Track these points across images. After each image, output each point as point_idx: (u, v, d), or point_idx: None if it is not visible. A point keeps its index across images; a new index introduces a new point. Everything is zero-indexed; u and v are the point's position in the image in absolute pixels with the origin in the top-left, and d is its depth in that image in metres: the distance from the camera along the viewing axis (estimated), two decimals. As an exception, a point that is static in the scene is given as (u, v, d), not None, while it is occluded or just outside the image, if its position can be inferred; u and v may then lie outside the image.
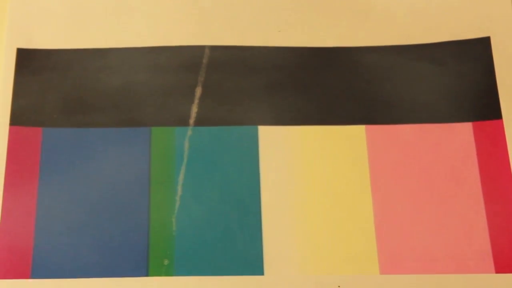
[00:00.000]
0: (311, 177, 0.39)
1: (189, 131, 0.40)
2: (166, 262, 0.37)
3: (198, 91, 0.41)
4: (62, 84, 0.41)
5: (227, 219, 0.38)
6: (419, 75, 0.41)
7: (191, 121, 0.40)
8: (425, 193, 0.38)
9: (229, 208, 0.38)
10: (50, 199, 0.38)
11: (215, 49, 0.42)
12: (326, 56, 0.41)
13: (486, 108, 0.40)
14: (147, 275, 0.37)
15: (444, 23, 0.42)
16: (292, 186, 0.38)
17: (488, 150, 0.39)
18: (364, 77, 0.41)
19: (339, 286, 0.36)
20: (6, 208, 0.38)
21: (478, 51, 0.41)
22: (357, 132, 0.39)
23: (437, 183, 0.38)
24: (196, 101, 0.41)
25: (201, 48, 0.42)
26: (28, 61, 0.41)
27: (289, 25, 0.42)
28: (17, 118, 0.40)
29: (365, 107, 0.40)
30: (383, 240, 0.37)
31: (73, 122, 0.40)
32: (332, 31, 0.42)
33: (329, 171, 0.39)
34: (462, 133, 0.39)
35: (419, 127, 0.39)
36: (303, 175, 0.39)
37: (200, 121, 0.40)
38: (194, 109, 0.40)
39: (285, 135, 0.39)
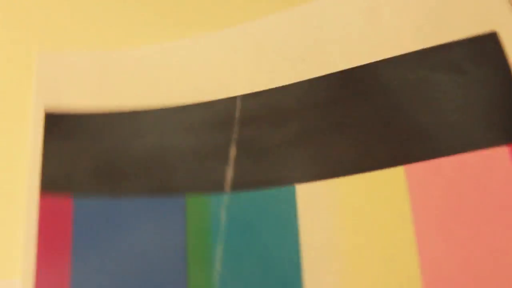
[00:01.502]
0: (354, 236, 0.36)
1: (225, 199, 0.38)
2: None
3: (233, 151, 0.39)
4: (92, 150, 0.39)
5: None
6: (440, 88, 0.35)
7: (227, 186, 0.38)
8: (473, 240, 0.34)
9: (270, 283, 0.36)
10: (83, 273, 0.37)
11: (247, 99, 0.39)
12: (353, 80, 0.37)
13: None
14: None
15: (449, 20, 0.37)
16: (334, 251, 0.36)
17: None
18: (392, 100, 0.36)
19: None
20: (39, 283, 0.37)
21: (489, 49, 0.35)
22: (395, 175, 0.35)
23: (485, 225, 0.34)
24: (231, 163, 0.38)
25: (232, 100, 0.39)
26: (57, 126, 0.40)
27: (313, 52, 0.39)
28: (47, 186, 0.39)
29: (400, 141, 0.35)
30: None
31: (104, 190, 0.38)
32: (357, 45, 0.38)
33: (374, 230, 0.36)
34: (498, 159, 0.35)
35: (456, 159, 0.34)
36: (347, 241, 0.36)
37: (236, 186, 0.38)
38: (229, 173, 0.38)
39: (324, 192, 0.36)
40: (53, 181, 0.39)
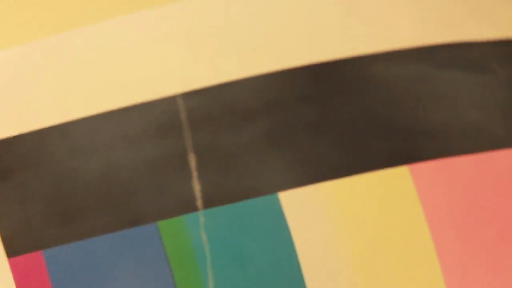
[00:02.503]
0: (359, 242, 0.33)
1: (201, 217, 0.34)
2: None
3: (192, 159, 0.34)
4: (38, 190, 0.34)
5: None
6: (452, 85, 0.32)
7: (199, 202, 0.34)
8: (497, 240, 0.32)
9: None
10: None
11: (189, 97, 0.34)
12: (332, 74, 0.33)
13: None
14: None
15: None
16: (340, 264, 0.33)
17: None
18: (387, 97, 0.33)
19: None
20: None
21: None
22: (400, 175, 0.32)
23: (506, 224, 0.33)
24: (194, 173, 0.34)
25: (171, 100, 0.34)
26: None
27: (272, 41, 0.33)
28: (12, 249, 0.34)
29: (402, 139, 0.32)
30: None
31: (71, 235, 0.34)
32: (333, 38, 0.33)
33: (381, 236, 0.33)
34: None
35: (473, 159, 0.32)
36: (348, 241, 0.33)
37: (209, 201, 0.34)
38: (197, 186, 0.34)
39: (315, 198, 0.33)
40: (15, 242, 0.34)
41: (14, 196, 0.34)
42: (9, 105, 0.35)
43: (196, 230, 0.34)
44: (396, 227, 0.33)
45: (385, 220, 0.33)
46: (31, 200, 0.34)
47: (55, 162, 0.34)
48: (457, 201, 0.32)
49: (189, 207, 0.34)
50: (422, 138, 0.32)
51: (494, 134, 0.32)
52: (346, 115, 0.33)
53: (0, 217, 0.34)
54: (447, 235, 0.33)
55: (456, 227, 0.32)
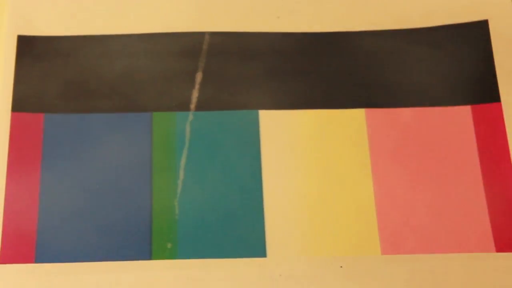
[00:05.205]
0: (312, 160, 0.39)
1: (190, 116, 0.40)
2: (169, 245, 0.37)
3: (199, 76, 0.41)
4: (63, 70, 0.41)
5: (229, 203, 0.38)
6: (417, 59, 0.41)
7: (192, 106, 0.40)
8: (425, 175, 0.39)
9: (231, 191, 0.38)
10: (53, 185, 0.38)
11: (215, 36, 0.42)
12: (325, 41, 0.42)
13: (485, 91, 0.40)
14: (150, 258, 0.37)
15: (442, 7, 0.42)
16: (293, 169, 0.39)
17: (487, 132, 0.39)
18: (364, 61, 0.41)
19: (341, 267, 0.37)
20: (9, 195, 0.38)
21: (476, 35, 0.41)
22: (357, 116, 0.40)
23: (437, 165, 0.39)
24: (197, 86, 0.41)
25: (201, 34, 0.42)
26: (29, 48, 0.41)
27: (288, 12, 0.43)
28: (18, 105, 0.40)
29: (365, 91, 0.40)
30: (384, 221, 0.38)
31: (74, 107, 0.40)
32: (331, 17, 0.42)
33: (329, 154, 0.39)
34: (461, 116, 0.40)
35: (418, 111, 0.40)
36: (304, 158, 0.39)
37: (201, 106, 0.40)
38: (195, 94, 0.41)
39: (285, 119, 0.40)
40: (24, 101, 0.40)
41: (39, 71, 0.41)
42: (73, 9, 0.43)
43: (183, 124, 0.40)
44: (345, 150, 0.39)
45: (337, 144, 0.39)
46: (50, 76, 0.41)
47: (85, 57, 0.42)
48: (395, 138, 0.39)
49: (183, 107, 0.40)
50: (380, 91, 0.40)
51: (434, 95, 0.40)
52: (330, 68, 0.41)
53: (20, 80, 0.41)
54: (381, 160, 0.39)
55: (390, 156, 0.39)
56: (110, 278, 0.37)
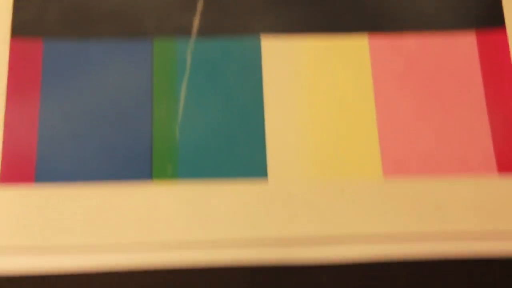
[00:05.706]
0: (314, 85, 0.39)
1: (191, 43, 0.40)
2: (169, 166, 0.37)
3: (200, 3, 0.41)
4: None
5: (230, 126, 0.38)
6: None
7: (193, 32, 0.40)
8: (428, 98, 0.38)
9: (233, 116, 0.38)
10: (52, 109, 0.38)
11: None
12: None
13: (489, 15, 0.39)
14: (151, 178, 0.37)
15: None
16: (295, 94, 0.38)
17: (491, 56, 0.39)
18: None
19: (342, 190, 0.36)
20: (9, 118, 0.38)
21: None
22: (360, 42, 0.39)
23: (440, 89, 0.38)
24: (198, 13, 0.40)
25: None
26: None
27: None
28: (18, 30, 0.40)
29: (368, 14, 0.40)
30: (386, 144, 0.37)
31: (74, 32, 0.40)
32: None
33: (331, 79, 0.39)
34: (465, 40, 0.39)
35: (422, 35, 0.39)
36: (306, 84, 0.39)
37: (202, 32, 0.40)
38: (196, 21, 0.40)
39: (287, 46, 0.39)
40: (24, 25, 0.40)
41: None
42: None
43: (184, 50, 0.40)
44: (348, 76, 0.39)
45: (340, 70, 0.39)
46: (50, 0, 0.41)
47: None
48: (398, 64, 0.39)
49: (184, 34, 0.40)
50: (383, 15, 0.40)
51: (438, 19, 0.40)
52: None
53: (20, 4, 0.40)
54: (384, 85, 0.38)
55: (393, 81, 0.39)
56: (110, 197, 0.37)
